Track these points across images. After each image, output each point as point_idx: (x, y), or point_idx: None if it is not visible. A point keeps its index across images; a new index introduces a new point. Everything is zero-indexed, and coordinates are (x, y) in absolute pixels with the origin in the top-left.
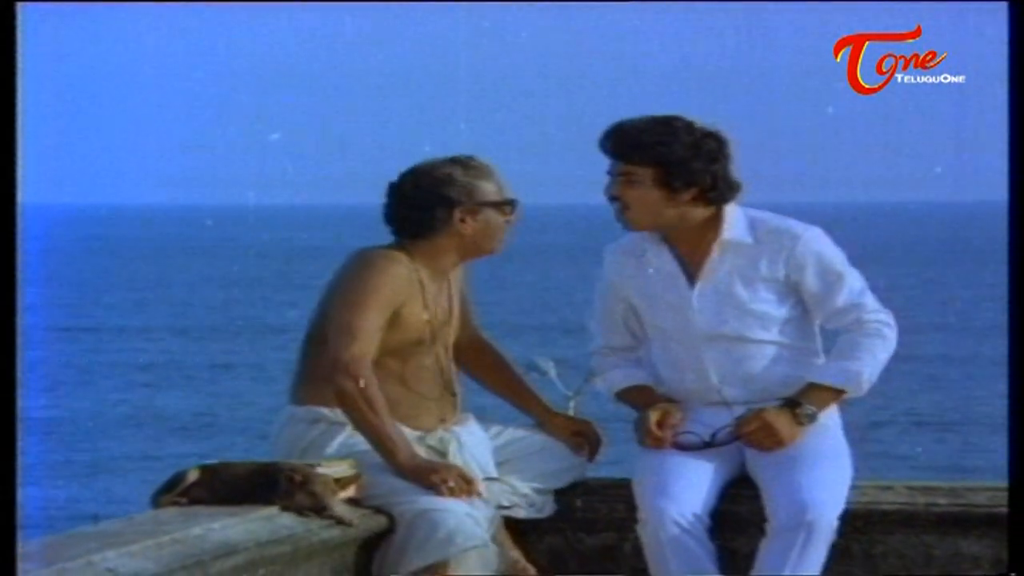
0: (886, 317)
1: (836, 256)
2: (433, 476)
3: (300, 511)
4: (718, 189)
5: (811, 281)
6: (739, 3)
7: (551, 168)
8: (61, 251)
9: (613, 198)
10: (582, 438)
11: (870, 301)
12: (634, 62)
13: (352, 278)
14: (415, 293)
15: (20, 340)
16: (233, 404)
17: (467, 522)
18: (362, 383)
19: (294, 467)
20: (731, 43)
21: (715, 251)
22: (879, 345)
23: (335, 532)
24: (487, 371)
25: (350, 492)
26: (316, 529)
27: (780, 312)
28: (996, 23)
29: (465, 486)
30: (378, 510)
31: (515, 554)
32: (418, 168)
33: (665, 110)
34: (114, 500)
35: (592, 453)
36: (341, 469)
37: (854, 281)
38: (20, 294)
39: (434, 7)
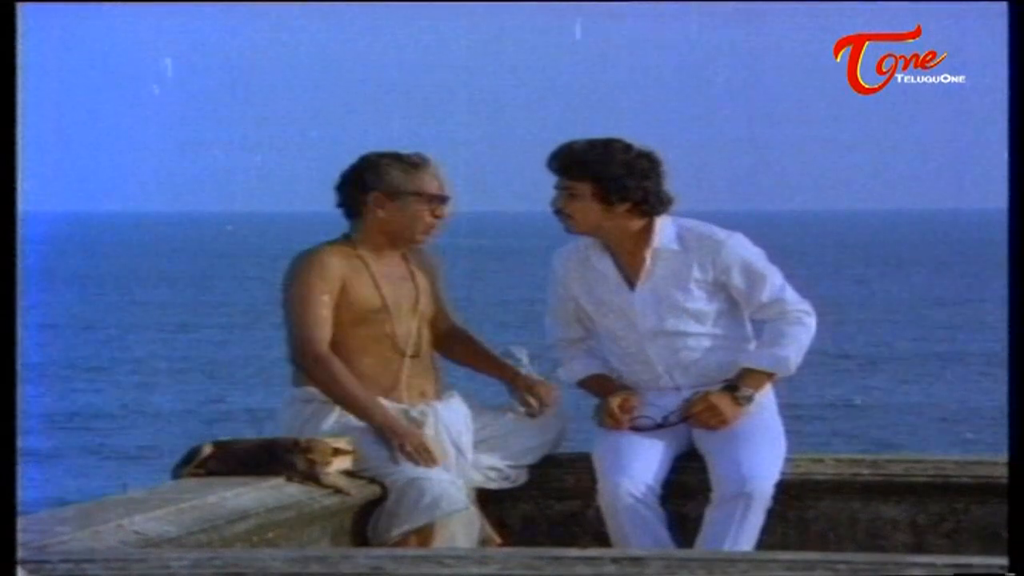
0: (806, 307)
1: (757, 257)
2: (394, 439)
3: (298, 477)
4: (650, 203)
5: (737, 281)
6: (739, 3)
7: (549, 177)
8: (90, 254)
9: (558, 210)
10: (534, 395)
11: (790, 294)
12: (633, 63)
13: (291, 280)
14: (357, 271)
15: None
16: (250, 391)
17: (450, 489)
18: (321, 361)
19: (295, 440)
20: (730, 44)
21: (648, 258)
22: (802, 332)
23: (334, 499)
24: (463, 353)
25: (347, 464)
26: (317, 497)
27: (712, 307)
28: (996, 23)
29: (421, 455)
30: (372, 480)
31: (484, 523)
32: (361, 156)
33: (664, 110)
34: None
35: (542, 409)
36: (339, 445)
37: (775, 278)
38: (21, 294)
39: (441, 10)
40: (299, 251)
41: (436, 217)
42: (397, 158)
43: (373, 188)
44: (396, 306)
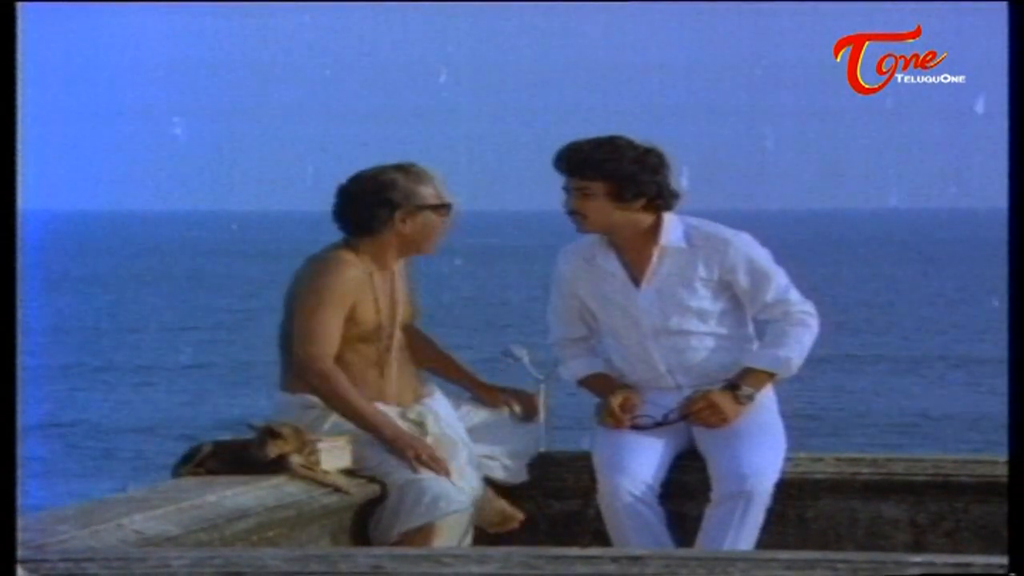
0: (809, 308)
1: (763, 257)
2: (408, 452)
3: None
4: (663, 197)
5: (742, 280)
6: (738, 3)
7: (546, 175)
8: (89, 254)
9: (572, 211)
10: (511, 403)
11: (795, 295)
12: (630, 63)
13: (308, 283)
14: (366, 289)
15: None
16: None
17: (451, 489)
18: (326, 376)
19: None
20: (730, 44)
21: (655, 256)
22: (804, 333)
23: (334, 499)
24: (422, 355)
25: (345, 460)
26: (317, 496)
27: (716, 307)
28: (996, 23)
29: (434, 464)
30: (372, 479)
31: (501, 503)
32: (363, 173)
33: (664, 111)
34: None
35: (528, 415)
36: (339, 444)
37: (780, 278)
38: (19, 296)
39: (445, 8)
40: (313, 256)
41: (443, 224)
42: (406, 172)
43: (399, 205)
44: (389, 322)
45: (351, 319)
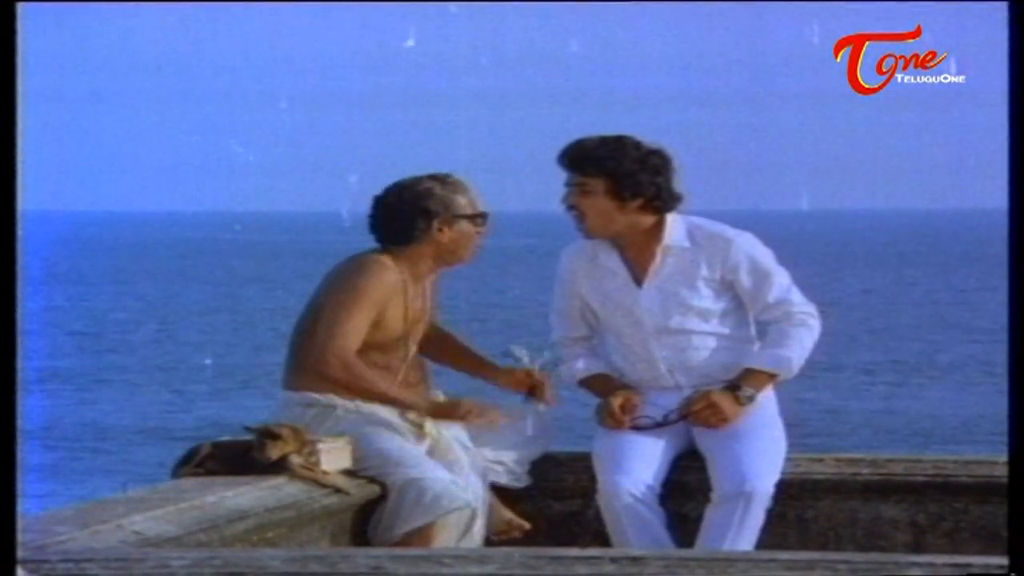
0: (811, 309)
1: (765, 257)
2: (455, 414)
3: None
4: (662, 199)
5: (744, 280)
6: (739, 3)
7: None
8: (89, 254)
9: (570, 207)
10: (532, 386)
11: (796, 296)
12: (629, 62)
13: (346, 280)
14: (398, 296)
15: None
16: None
17: (451, 488)
18: (348, 367)
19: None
20: (731, 43)
21: (658, 256)
22: (805, 334)
23: (334, 499)
24: (447, 354)
25: (346, 461)
26: (317, 496)
27: (718, 306)
28: (996, 23)
29: (484, 413)
30: (372, 479)
31: (508, 514)
32: (401, 183)
33: (664, 111)
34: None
35: (542, 396)
36: (338, 445)
37: (782, 279)
38: (21, 297)
39: (445, 8)
40: (351, 256)
41: (479, 234)
42: (442, 182)
43: (436, 214)
44: (411, 333)
45: (376, 324)
